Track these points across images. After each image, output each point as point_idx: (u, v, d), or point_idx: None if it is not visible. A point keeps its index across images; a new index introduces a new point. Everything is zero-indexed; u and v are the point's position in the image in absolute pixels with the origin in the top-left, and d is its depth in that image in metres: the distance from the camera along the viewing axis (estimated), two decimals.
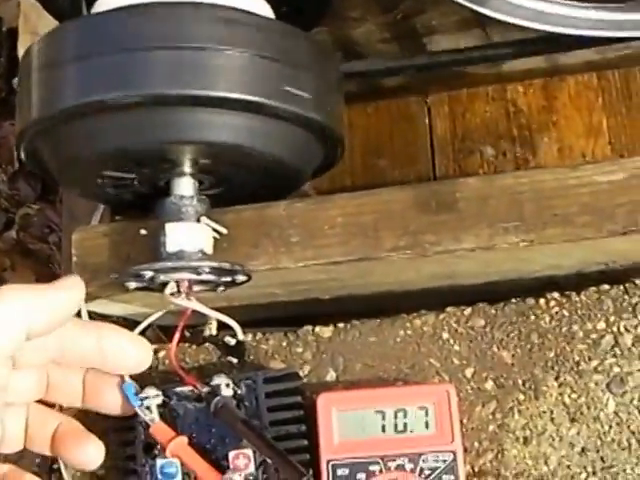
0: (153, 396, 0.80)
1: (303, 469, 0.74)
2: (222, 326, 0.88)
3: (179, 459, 0.79)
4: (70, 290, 0.73)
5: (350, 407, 0.82)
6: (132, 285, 0.82)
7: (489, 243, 0.79)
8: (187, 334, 0.90)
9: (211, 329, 0.86)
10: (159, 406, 0.82)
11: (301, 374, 0.87)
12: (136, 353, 0.78)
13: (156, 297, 0.84)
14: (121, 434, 0.84)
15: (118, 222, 0.90)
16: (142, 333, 0.86)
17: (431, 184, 0.83)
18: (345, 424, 0.82)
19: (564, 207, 0.79)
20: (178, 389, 0.82)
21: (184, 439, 0.80)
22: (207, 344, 0.90)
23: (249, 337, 0.90)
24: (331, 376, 0.88)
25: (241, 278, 0.82)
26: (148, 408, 0.81)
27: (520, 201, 0.80)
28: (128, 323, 0.92)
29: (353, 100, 1.01)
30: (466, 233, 0.80)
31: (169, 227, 0.80)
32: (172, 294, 0.81)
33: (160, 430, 0.79)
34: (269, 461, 0.78)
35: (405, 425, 0.82)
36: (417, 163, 1.08)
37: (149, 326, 0.89)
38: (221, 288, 0.84)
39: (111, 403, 0.80)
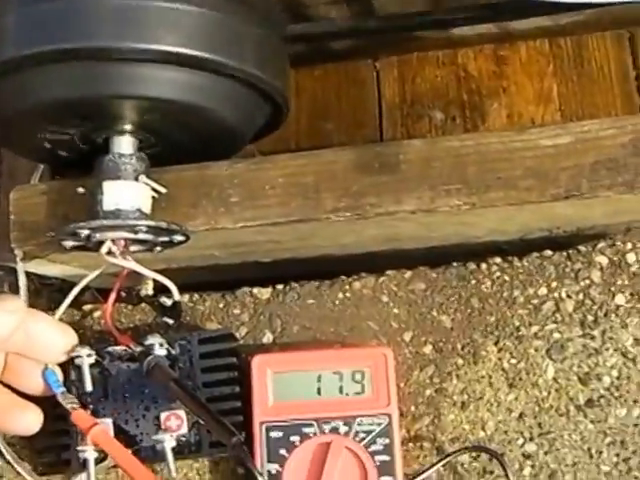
0: (86, 355, 0.79)
1: (234, 430, 0.72)
2: (161, 290, 0.86)
3: (99, 446, 0.77)
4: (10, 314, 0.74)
5: (285, 369, 0.81)
6: (69, 244, 0.81)
7: (430, 205, 0.78)
8: (123, 295, 0.87)
9: (147, 289, 0.84)
10: (92, 366, 0.80)
11: (238, 336, 0.86)
12: (62, 342, 0.79)
13: (94, 258, 0.82)
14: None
15: (56, 181, 0.88)
16: (79, 294, 0.85)
17: (374, 145, 0.82)
18: (280, 386, 0.81)
19: (508, 170, 0.78)
20: (111, 348, 0.81)
21: (104, 427, 0.78)
22: (143, 305, 0.88)
23: (185, 298, 0.88)
24: (268, 338, 0.87)
25: (179, 238, 0.81)
26: (79, 368, 0.79)
27: (464, 164, 0.79)
28: (67, 285, 0.90)
29: (301, 63, 1.00)
30: (408, 195, 0.79)
31: (107, 185, 0.79)
32: (108, 253, 0.79)
33: (81, 417, 0.78)
34: (201, 422, 0.76)
35: (341, 388, 0.81)
36: (364, 127, 1.07)
37: (86, 288, 0.87)
38: (159, 248, 0.83)
39: (31, 385, 0.79)
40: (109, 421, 0.80)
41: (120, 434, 0.80)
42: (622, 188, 0.76)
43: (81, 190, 0.82)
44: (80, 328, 0.87)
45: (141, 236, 0.79)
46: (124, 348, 0.80)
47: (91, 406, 0.81)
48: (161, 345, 0.78)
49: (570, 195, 0.76)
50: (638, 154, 0.76)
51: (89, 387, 0.79)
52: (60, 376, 0.79)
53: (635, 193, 0.76)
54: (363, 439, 0.79)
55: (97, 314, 0.89)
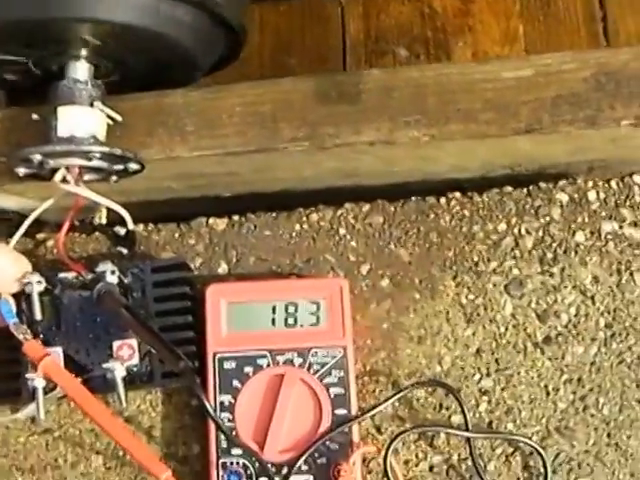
0: (35, 282, 0.77)
1: (183, 355, 0.71)
2: (117, 222, 0.84)
3: (50, 378, 0.75)
4: None
5: (240, 299, 0.80)
6: (22, 171, 0.79)
7: (389, 137, 0.77)
8: (77, 224, 0.86)
9: (101, 217, 0.83)
10: (42, 294, 0.78)
11: (192, 267, 0.85)
12: (13, 270, 0.78)
13: (49, 188, 0.80)
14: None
15: (10, 109, 0.86)
16: (38, 229, 0.85)
17: (334, 74, 0.80)
18: (234, 316, 0.80)
19: (468, 102, 0.77)
20: (62, 275, 0.79)
21: (55, 357, 0.77)
22: (97, 234, 0.87)
23: (140, 228, 0.87)
24: (223, 269, 0.86)
25: (134, 167, 0.79)
26: (29, 297, 0.77)
27: (424, 95, 0.77)
28: (23, 218, 0.88)
29: None
30: (367, 126, 0.77)
31: (61, 111, 0.77)
32: (62, 181, 0.77)
33: (32, 348, 0.76)
34: (150, 348, 0.75)
35: (295, 319, 0.80)
36: (328, 62, 1.05)
37: (45, 223, 0.86)
38: (114, 178, 0.81)
39: None
40: (59, 350, 0.78)
41: (70, 363, 0.78)
42: (583, 123, 0.75)
43: (35, 117, 0.80)
44: (33, 257, 0.85)
45: (95, 163, 0.77)
46: (75, 275, 0.78)
47: (42, 335, 0.79)
48: (113, 272, 0.77)
49: (531, 129, 0.75)
50: (600, 89, 0.75)
51: (38, 316, 0.78)
52: (13, 307, 0.78)
53: (596, 129, 0.75)
54: (317, 371, 0.78)
55: (50, 243, 0.87)
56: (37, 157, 0.76)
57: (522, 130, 0.74)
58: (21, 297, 0.79)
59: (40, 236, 0.88)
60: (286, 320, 0.79)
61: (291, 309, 0.79)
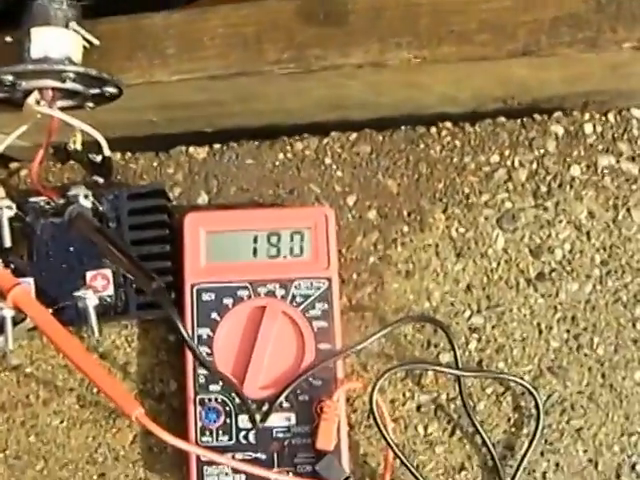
0: (5, 207, 0.73)
1: (155, 275, 0.67)
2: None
3: (20, 308, 0.72)
4: None
5: (220, 228, 0.77)
6: None
7: (379, 58, 0.73)
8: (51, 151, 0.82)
9: (75, 142, 0.78)
10: (13, 221, 0.75)
11: (171, 196, 0.81)
12: None
13: (24, 119, 0.76)
14: None
15: None
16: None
17: None
18: (213, 246, 0.76)
19: (462, 23, 0.73)
20: (33, 199, 0.75)
21: (25, 287, 0.73)
22: (72, 163, 0.83)
23: (117, 156, 0.83)
24: (203, 199, 0.82)
25: (111, 90, 0.75)
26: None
27: (415, 15, 0.73)
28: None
29: None
30: (355, 48, 0.73)
31: (35, 32, 0.73)
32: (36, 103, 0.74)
33: (2, 277, 0.72)
34: (123, 271, 0.71)
35: (278, 250, 0.76)
36: None
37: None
38: (90, 104, 0.77)
39: None
40: (30, 280, 0.75)
41: (42, 295, 0.75)
42: (582, 46, 0.71)
43: (8, 39, 0.76)
44: (6, 188, 0.82)
45: (70, 85, 0.73)
46: (47, 200, 0.75)
47: (12, 265, 0.76)
48: (86, 197, 0.74)
49: (528, 51, 0.71)
50: (601, 10, 0.71)
51: (8, 242, 0.74)
52: None
53: (596, 52, 0.71)
54: (300, 304, 0.75)
55: (24, 173, 0.84)
56: (8, 77, 0.72)
57: (519, 52, 0.71)
58: None
59: (13, 165, 0.84)
60: (268, 250, 0.76)
61: (273, 239, 0.76)
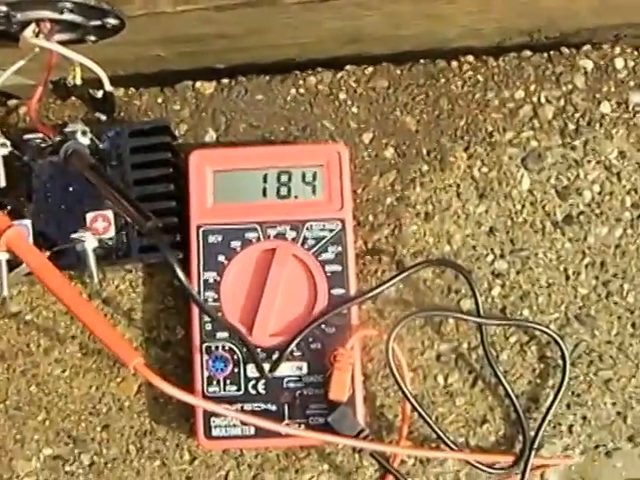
0: (0, 145, 0.69)
1: (150, 214, 0.63)
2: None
3: (12, 251, 0.67)
4: None
5: (228, 167, 0.73)
6: None
7: None
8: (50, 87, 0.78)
9: (75, 77, 0.74)
10: (9, 160, 0.71)
11: (177, 134, 0.77)
12: None
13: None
14: None
15: None
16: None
17: None
18: (221, 186, 0.72)
19: None
20: (29, 136, 0.71)
21: (19, 229, 0.69)
22: (73, 99, 0.79)
23: (120, 92, 0.79)
24: (210, 137, 0.78)
25: (112, 22, 0.71)
26: None
27: None
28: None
29: None
30: None
31: None
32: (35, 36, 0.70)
33: None
34: (118, 210, 0.68)
35: (289, 189, 0.72)
36: None
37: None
38: (92, 37, 0.73)
39: None
40: (28, 223, 0.71)
41: (40, 238, 0.71)
42: None
43: None
44: (3, 126, 0.79)
45: (68, 16, 0.69)
46: (43, 137, 0.70)
47: (9, 207, 0.71)
48: (84, 133, 0.69)
49: None
50: None
51: (3, 182, 0.70)
52: None
53: None
54: (312, 246, 0.71)
55: (23, 110, 0.80)
56: (2, 8, 0.68)
57: None
58: None
59: (12, 103, 0.80)
60: (278, 190, 0.72)
61: (284, 178, 0.72)
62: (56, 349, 0.76)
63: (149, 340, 0.75)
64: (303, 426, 0.69)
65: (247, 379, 0.70)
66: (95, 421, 0.75)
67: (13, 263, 0.69)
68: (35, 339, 0.77)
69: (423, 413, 0.69)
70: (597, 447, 0.72)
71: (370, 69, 0.78)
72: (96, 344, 0.75)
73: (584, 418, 0.72)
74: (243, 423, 0.69)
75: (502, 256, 0.74)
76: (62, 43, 0.72)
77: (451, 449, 0.70)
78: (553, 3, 0.71)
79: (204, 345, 0.70)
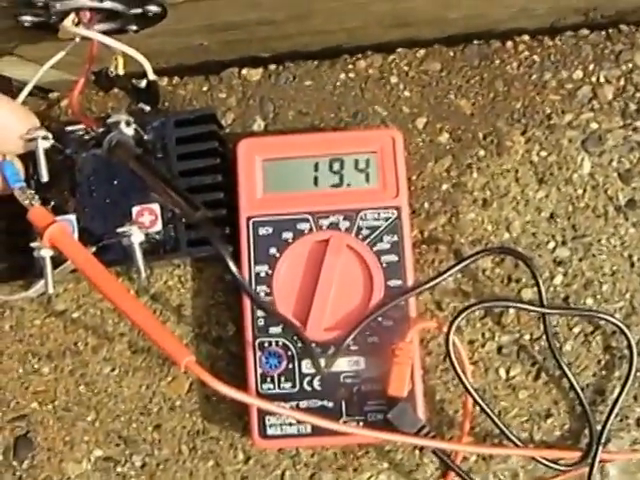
0: (41, 137, 0.67)
1: (199, 204, 0.61)
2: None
3: (57, 248, 0.66)
4: None
5: (277, 155, 0.70)
6: (27, 19, 0.69)
7: None
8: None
9: (117, 67, 0.72)
10: (52, 154, 0.69)
11: (224, 123, 0.75)
12: (19, 127, 0.68)
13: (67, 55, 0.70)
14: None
15: None
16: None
17: None
18: (270, 175, 0.70)
19: None
20: (71, 128, 0.69)
21: (63, 224, 0.67)
22: (116, 91, 0.77)
23: (164, 82, 0.77)
24: (259, 125, 0.76)
25: (154, 9, 0.69)
26: (35, 156, 0.68)
27: None
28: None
29: None
30: None
31: None
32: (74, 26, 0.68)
33: (38, 214, 0.66)
34: (166, 202, 0.66)
35: (342, 177, 0.70)
36: None
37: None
38: (133, 26, 0.71)
39: None
40: (72, 218, 0.69)
41: (85, 233, 0.69)
42: None
43: None
44: (46, 119, 0.77)
45: (108, 4, 0.67)
46: (86, 129, 0.68)
47: (53, 202, 0.70)
48: (128, 124, 0.67)
49: None
50: None
51: (45, 177, 0.68)
52: (21, 170, 0.69)
53: None
54: (367, 236, 0.69)
55: (65, 103, 0.79)
56: None
57: None
58: (28, 159, 0.69)
59: (53, 96, 0.79)
60: (330, 178, 0.70)
61: (336, 166, 0.70)
62: (104, 348, 0.75)
63: (200, 337, 0.73)
64: (362, 423, 0.67)
65: (302, 375, 0.68)
66: (146, 421, 0.74)
67: (58, 260, 0.67)
68: (83, 338, 0.75)
69: (485, 407, 0.67)
70: None
71: (422, 52, 0.76)
72: (145, 342, 0.74)
73: None
74: (299, 421, 0.67)
75: (564, 243, 0.72)
76: (103, 33, 0.70)
77: (515, 445, 0.68)
78: None
79: (257, 341, 0.68)
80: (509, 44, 0.75)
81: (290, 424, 0.68)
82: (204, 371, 0.60)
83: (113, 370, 0.74)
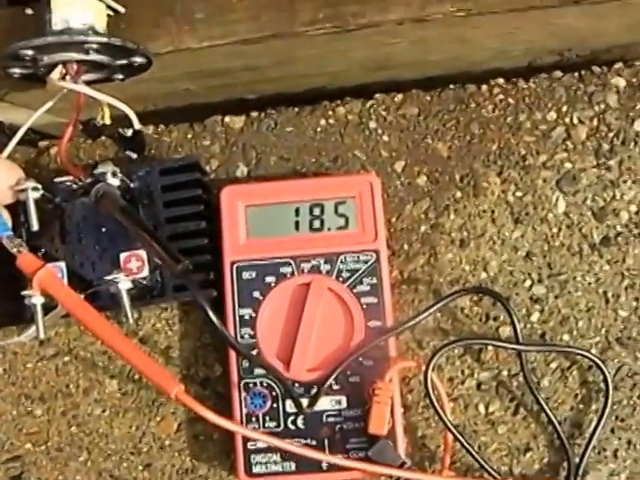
0: (31, 188, 0.69)
1: (180, 256, 0.63)
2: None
3: (46, 292, 0.67)
4: None
5: (259, 201, 0.72)
6: (16, 72, 0.71)
7: (420, 13, 0.68)
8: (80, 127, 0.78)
9: (104, 117, 0.74)
10: (41, 204, 0.71)
11: (208, 169, 0.77)
12: (5, 179, 0.71)
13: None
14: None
15: (4, 8, 0.78)
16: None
17: None
18: (253, 221, 0.72)
19: None
20: (59, 180, 0.71)
21: (51, 269, 0.68)
22: (103, 139, 0.79)
23: (150, 129, 0.79)
24: (242, 171, 0.78)
25: (139, 60, 0.71)
26: (25, 206, 0.70)
27: None
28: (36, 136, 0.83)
29: None
30: (394, 2, 0.68)
31: (55, 1, 0.69)
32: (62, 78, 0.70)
33: (26, 261, 0.68)
34: (149, 252, 0.67)
35: (322, 222, 0.72)
36: None
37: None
38: (119, 76, 0.73)
39: None
40: (62, 265, 0.71)
41: (75, 279, 0.71)
42: None
43: (29, 11, 0.72)
44: (35, 168, 0.79)
45: (94, 57, 0.69)
46: (74, 180, 0.70)
47: (43, 250, 0.72)
48: (114, 174, 0.69)
49: None
50: None
51: (35, 226, 0.70)
52: (8, 219, 0.71)
53: None
54: (347, 279, 0.71)
55: (54, 151, 0.80)
56: (28, 52, 0.68)
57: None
58: (18, 208, 0.72)
59: (42, 144, 0.81)
60: (311, 223, 0.72)
61: (316, 211, 0.71)
62: (95, 389, 0.76)
63: (187, 378, 0.75)
64: (344, 461, 0.68)
65: (286, 415, 0.70)
66: (137, 460, 0.75)
67: (48, 306, 0.69)
68: (74, 380, 0.77)
69: (465, 443, 0.68)
70: None
71: (399, 96, 0.77)
72: (135, 383, 0.75)
73: (629, 442, 0.71)
74: (284, 459, 0.68)
75: (540, 281, 0.73)
76: (90, 83, 0.72)
77: (495, 478, 0.69)
78: (581, 23, 0.70)
79: (242, 382, 0.70)
80: (484, 87, 0.77)
81: (275, 462, 0.69)
82: (193, 400, 0.62)
83: (104, 411, 0.76)
